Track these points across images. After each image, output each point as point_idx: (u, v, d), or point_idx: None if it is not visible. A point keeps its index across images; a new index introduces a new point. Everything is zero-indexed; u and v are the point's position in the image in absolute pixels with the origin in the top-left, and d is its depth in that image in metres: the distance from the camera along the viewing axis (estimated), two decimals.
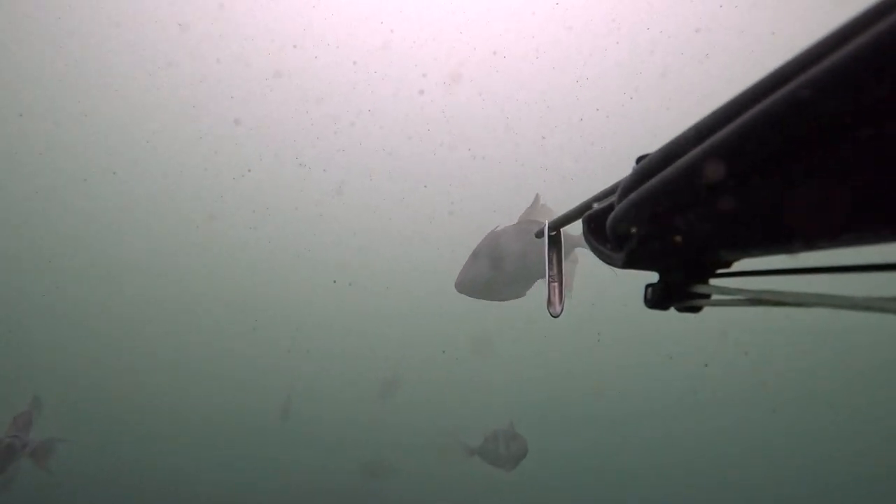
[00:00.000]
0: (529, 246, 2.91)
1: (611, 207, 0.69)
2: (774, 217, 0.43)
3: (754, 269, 0.58)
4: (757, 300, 0.51)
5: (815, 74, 0.34)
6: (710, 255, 0.57)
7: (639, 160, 0.64)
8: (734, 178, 0.44)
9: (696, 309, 0.63)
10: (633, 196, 0.60)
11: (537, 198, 3.04)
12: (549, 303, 0.94)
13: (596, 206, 0.80)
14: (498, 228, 3.03)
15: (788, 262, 0.51)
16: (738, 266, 0.60)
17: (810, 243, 0.41)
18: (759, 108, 0.39)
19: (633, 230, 0.62)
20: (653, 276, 0.67)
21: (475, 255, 3.01)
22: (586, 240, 0.81)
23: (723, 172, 0.45)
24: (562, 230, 0.95)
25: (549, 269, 0.96)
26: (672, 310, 0.67)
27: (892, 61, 0.29)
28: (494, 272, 2.97)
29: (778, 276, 0.55)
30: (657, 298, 0.65)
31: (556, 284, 0.96)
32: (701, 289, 0.61)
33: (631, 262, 0.67)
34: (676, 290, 0.63)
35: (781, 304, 0.48)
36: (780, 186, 0.40)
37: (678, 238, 0.56)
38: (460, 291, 3.04)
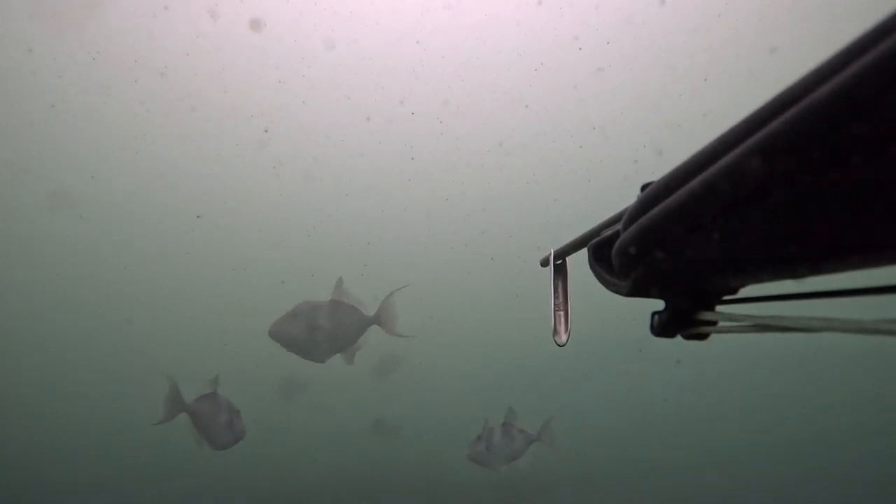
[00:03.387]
0: (337, 323, 3.63)
1: (616, 235, 0.69)
2: (780, 242, 0.43)
3: (761, 295, 0.58)
4: (764, 326, 0.51)
5: (819, 97, 0.35)
6: (716, 282, 0.57)
7: (644, 188, 0.64)
8: (740, 204, 0.45)
9: (703, 336, 0.63)
10: (638, 223, 0.61)
11: (340, 280, 3.72)
12: (555, 332, 0.94)
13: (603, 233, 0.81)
14: (312, 300, 3.68)
15: (795, 287, 0.51)
16: (744, 292, 0.60)
17: (817, 268, 0.41)
18: (763, 134, 0.40)
19: (639, 258, 0.62)
20: (659, 304, 0.67)
21: (293, 314, 3.62)
22: (592, 268, 0.81)
23: (728, 198, 0.46)
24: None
25: (555, 297, 0.96)
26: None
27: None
28: (305, 334, 3.61)
29: (785, 302, 0.55)
30: (663, 326, 0.65)
31: (561, 313, 0.95)
32: (707, 316, 0.61)
33: (637, 290, 0.67)
34: (683, 318, 0.63)
35: (789, 329, 0.48)
36: (786, 211, 0.40)
37: (684, 265, 0.56)
38: (272, 338, 3.62)
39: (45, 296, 12.53)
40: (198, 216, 11.36)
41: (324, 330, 3.59)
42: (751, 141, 0.41)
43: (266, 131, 10.44)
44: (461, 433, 4.75)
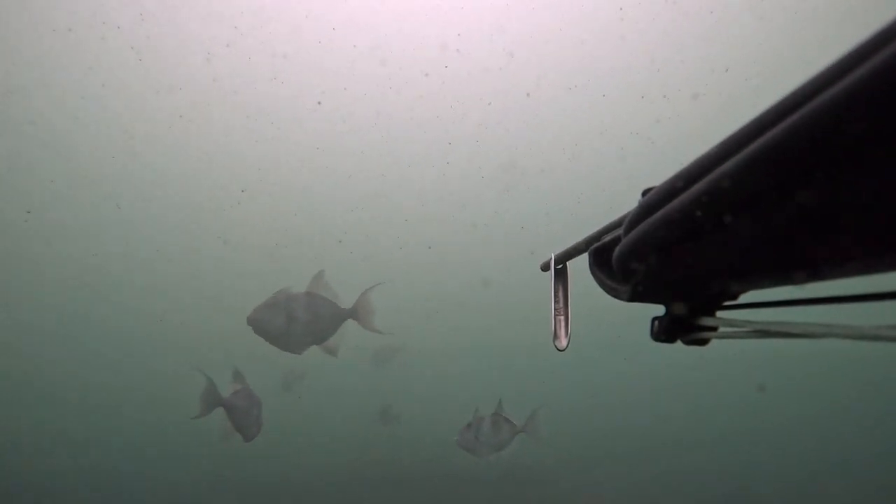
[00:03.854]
0: (313, 314, 3.60)
1: (617, 240, 0.69)
2: (781, 248, 0.43)
3: (761, 301, 0.58)
4: (764, 332, 0.51)
5: (821, 103, 0.35)
6: (717, 288, 0.57)
7: (645, 193, 0.64)
8: (741, 210, 0.45)
9: (704, 341, 0.63)
10: (639, 229, 0.61)
11: (321, 273, 3.72)
12: (555, 336, 0.94)
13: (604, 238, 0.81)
14: (289, 290, 3.64)
15: (795, 292, 0.51)
16: (744, 298, 0.60)
17: (817, 273, 0.42)
18: (765, 139, 0.40)
19: (640, 263, 0.62)
20: (660, 309, 0.67)
21: (271, 303, 3.57)
22: (593, 273, 0.81)
23: (729, 204, 0.46)
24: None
25: (555, 302, 0.96)
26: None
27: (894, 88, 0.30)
28: (282, 324, 3.57)
29: (786, 308, 0.55)
30: (664, 331, 0.65)
31: (561, 318, 0.95)
32: (708, 321, 0.61)
33: (637, 296, 0.67)
34: (683, 323, 0.63)
35: (789, 335, 0.48)
36: (787, 217, 0.41)
37: (684, 270, 0.56)
38: (250, 325, 3.57)
39: (88, 288, 12.80)
40: (242, 190, 11.70)
41: (300, 321, 3.59)
42: (752, 147, 0.42)
43: (320, 103, 10.73)
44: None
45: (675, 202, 0.53)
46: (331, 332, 3.66)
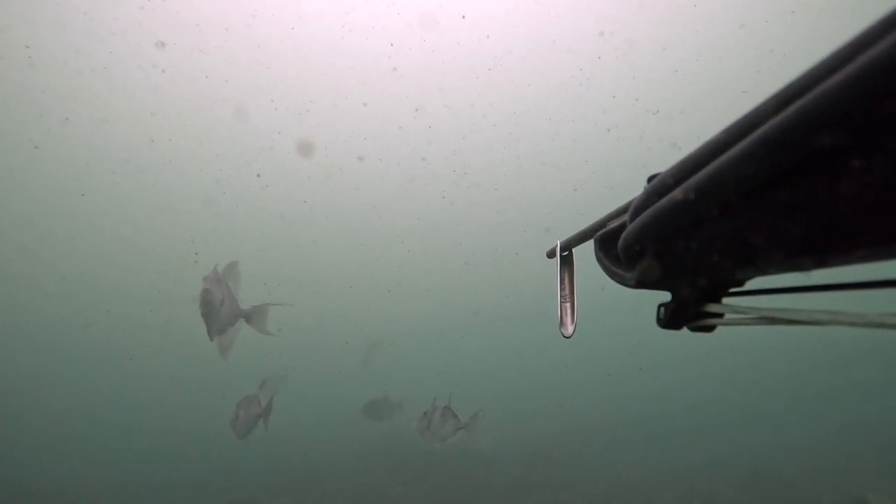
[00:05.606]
0: (231, 302, 3.62)
1: (623, 227, 0.68)
2: (787, 235, 0.43)
3: (767, 288, 0.58)
4: (770, 318, 0.51)
5: (827, 89, 0.34)
6: (723, 274, 0.57)
7: (650, 179, 0.64)
8: (746, 196, 0.44)
9: (710, 328, 0.63)
10: (644, 215, 0.60)
11: (235, 262, 3.77)
12: (561, 323, 0.93)
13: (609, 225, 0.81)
14: (216, 272, 3.61)
15: (801, 279, 0.50)
16: (750, 285, 0.60)
17: (823, 260, 0.41)
18: (769, 126, 0.39)
19: (645, 249, 0.62)
20: (666, 296, 0.66)
21: (214, 278, 3.55)
22: (598, 260, 0.81)
23: (734, 190, 0.45)
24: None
25: (561, 289, 0.95)
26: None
27: None
28: (219, 303, 3.56)
29: (791, 294, 0.55)
30: (670, 318, 0.65)
31: (567, 305, 0.94)
32: (714, 308, 0.60)
33: (643, 282, 0.67)
34: (689, 310, 0.63)
35: (795, 322, 0.48)
36: (793, 204, 0.40)
37: (690, 257, 0.56)
38: (202, 296, 3.52)
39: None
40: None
41: (227, 304, 3.61)
42: (757, 134, 0.41)
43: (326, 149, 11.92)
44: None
45: (680, 189, 0.53)
46: (228, 326, 3.69)
